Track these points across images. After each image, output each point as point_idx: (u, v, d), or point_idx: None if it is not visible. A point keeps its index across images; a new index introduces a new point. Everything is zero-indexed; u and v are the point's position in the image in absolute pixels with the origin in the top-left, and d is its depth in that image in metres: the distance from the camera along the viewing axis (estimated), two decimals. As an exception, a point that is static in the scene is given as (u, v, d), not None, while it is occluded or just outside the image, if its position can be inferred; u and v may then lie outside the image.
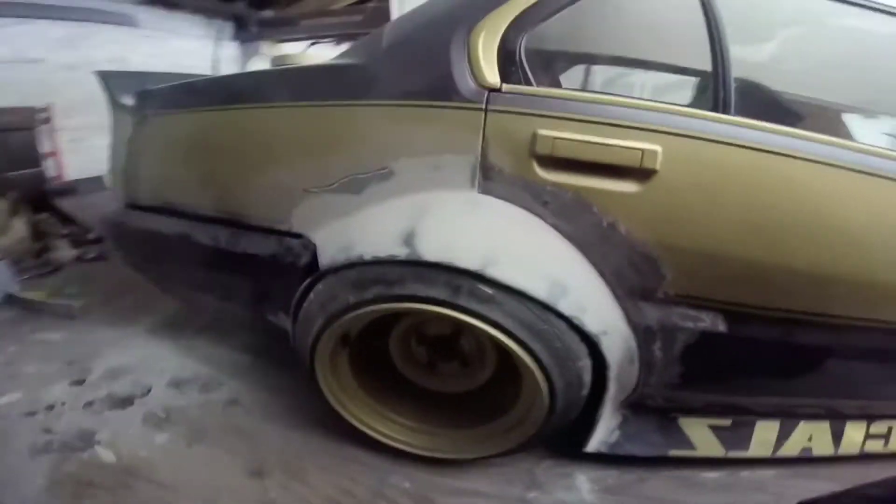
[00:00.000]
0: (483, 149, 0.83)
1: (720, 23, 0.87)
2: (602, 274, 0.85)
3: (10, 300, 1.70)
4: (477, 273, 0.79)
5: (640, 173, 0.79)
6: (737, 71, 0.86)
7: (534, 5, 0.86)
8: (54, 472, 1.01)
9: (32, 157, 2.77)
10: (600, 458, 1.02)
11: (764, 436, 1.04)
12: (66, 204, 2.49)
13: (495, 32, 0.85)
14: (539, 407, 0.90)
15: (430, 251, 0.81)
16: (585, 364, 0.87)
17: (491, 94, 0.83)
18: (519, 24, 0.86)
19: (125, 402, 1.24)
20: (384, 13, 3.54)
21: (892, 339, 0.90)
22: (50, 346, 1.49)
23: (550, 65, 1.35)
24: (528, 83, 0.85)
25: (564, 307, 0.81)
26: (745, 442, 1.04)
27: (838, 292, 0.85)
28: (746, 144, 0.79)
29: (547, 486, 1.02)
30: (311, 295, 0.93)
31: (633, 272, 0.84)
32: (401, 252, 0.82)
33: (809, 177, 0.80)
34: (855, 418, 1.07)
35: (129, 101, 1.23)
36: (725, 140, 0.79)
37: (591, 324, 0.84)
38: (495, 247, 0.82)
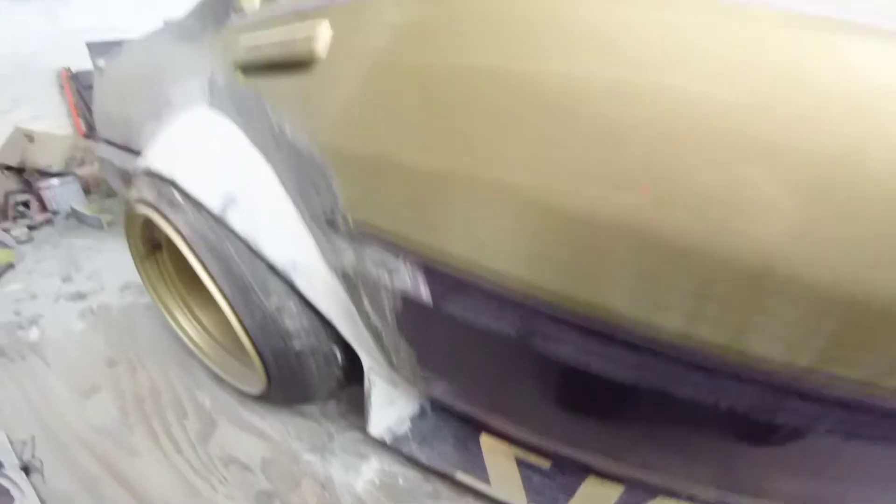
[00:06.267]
0: (212, 66, 0.81)
1: None
2: (289, 192, 0.66)
3: (73, 213, 2.17)
4: (170, 180, 0.77)
5: (308, 63, 0.59)
6: None
7: None
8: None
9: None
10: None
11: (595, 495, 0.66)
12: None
13: None
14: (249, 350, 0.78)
15: (149, 159, 0.84)
16: (285, 306, 0.71)
17: (236, 15, 0.81)
18: None
19: (77, 296, 1.49)
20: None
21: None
22: (70, 250, 1.89)
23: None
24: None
25: (234, 222, 0.69)
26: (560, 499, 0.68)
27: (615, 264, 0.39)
28: None
29: (331, 456, 0.88)
30: None
31: (311, 188, 0.61)
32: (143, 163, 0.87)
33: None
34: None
35: None
36: None
37: (270, 250, 0.68)
38: (187, 156, 0.79)
